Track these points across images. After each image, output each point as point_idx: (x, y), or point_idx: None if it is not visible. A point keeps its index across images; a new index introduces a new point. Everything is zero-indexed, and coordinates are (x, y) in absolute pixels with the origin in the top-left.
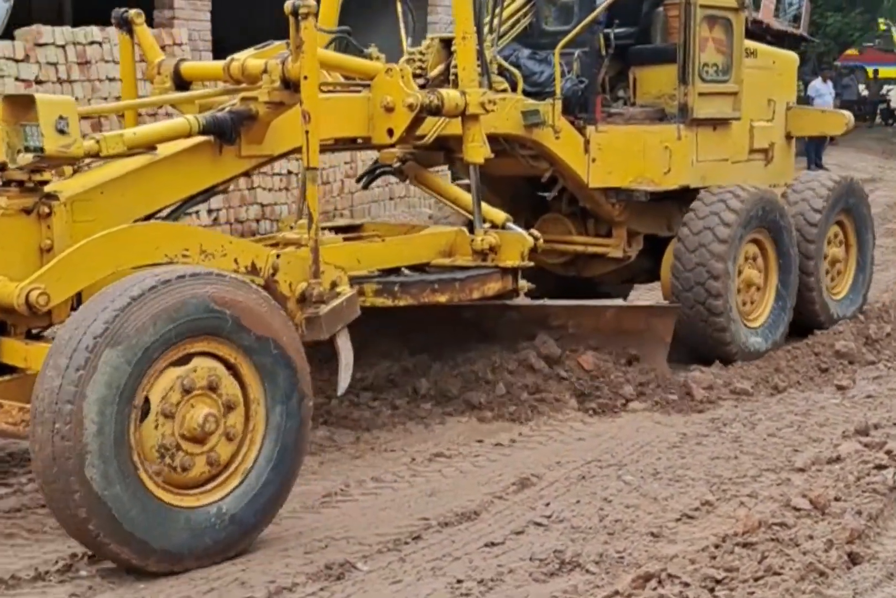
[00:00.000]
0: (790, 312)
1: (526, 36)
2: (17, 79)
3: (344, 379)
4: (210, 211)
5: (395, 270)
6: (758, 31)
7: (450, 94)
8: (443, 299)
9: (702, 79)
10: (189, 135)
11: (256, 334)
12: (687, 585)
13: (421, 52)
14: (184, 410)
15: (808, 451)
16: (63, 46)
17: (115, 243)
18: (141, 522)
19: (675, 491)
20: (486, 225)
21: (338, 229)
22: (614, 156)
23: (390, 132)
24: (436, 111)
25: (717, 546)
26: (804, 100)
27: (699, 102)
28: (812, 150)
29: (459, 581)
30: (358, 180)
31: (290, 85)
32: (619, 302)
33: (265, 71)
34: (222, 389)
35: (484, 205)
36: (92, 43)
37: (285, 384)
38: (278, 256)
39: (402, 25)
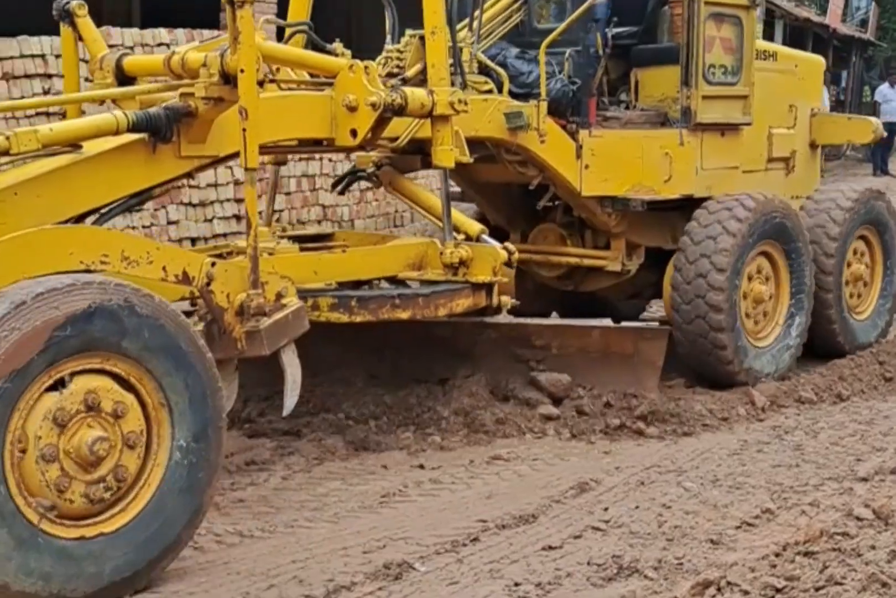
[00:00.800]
0: (804, 333)
1: (517, 34)
2: (86, 80)
3: (290, 398)
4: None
5: (367, 283)
6: (825, 36)
7: (414, 93)
8: (405, 315)
9: (707, 81)
10: (117, 132)
11: None
12: (746, 593)
13: (399, 50)
14: None
15: (872, 460)
16: (131, 48)
17: (18, 248)
18: None
19: (736, 498)
20: (460, 236)
21: (304, 238)
22: (609, 162)
23: (353, 133)
24: (399, 111)
25: (777, 555)
26: (871, 105)
27: (703, 105)
28: (878, 156)
29: (517, 584)
30: (333, 187)
31: (230, 79)
32: (605, 322)
33: (204, 64)
34: None
35: (458, 215)
36: (160, 44)
37: None
38: (213, 264)
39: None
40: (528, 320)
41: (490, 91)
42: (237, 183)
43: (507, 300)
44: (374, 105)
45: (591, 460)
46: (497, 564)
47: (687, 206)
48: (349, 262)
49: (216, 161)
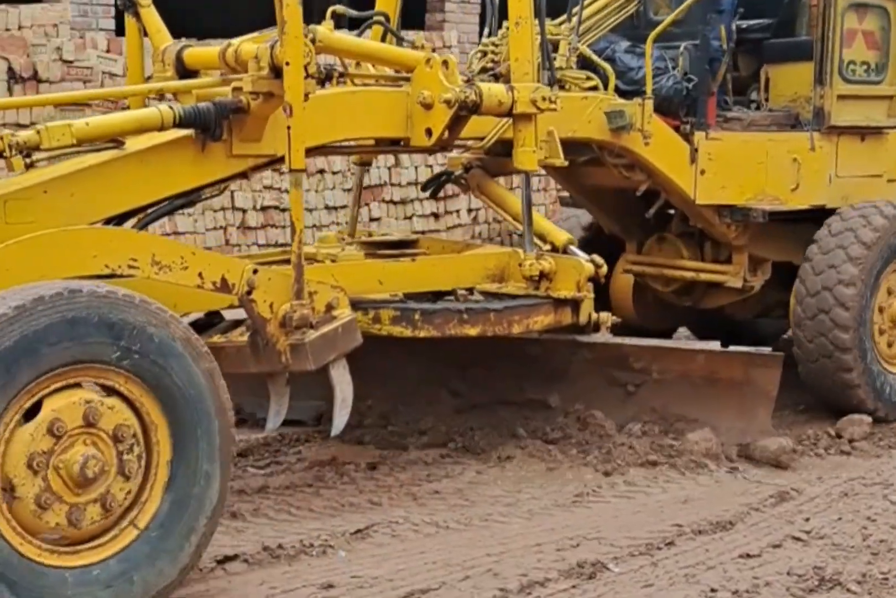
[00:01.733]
0: None
1: (631, 27)
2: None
3: (340, 417)
4: (470, 210)
5: (448, 294)
6: None
7: (491, 90)
8: (473, 331)
9: (844, 79)
10: (161, 127)
11: None
12: None
13: (494, 43)
14: None
15: None
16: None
17: (38, 249)
18: None
19: None
20: (546, 247)
21: (383, 244)
22: (728, 168)
23: (429, 132)
24: (474, 108)
25: None
26: None
27: (839, 106)
28: None
29: (713, 590)
30: (423, 189)
31: (280, 73)
32: (711, 346)
33: (255, 57)
34: None
35: (545, 223)
36: None
37: None
38: (255, 271)
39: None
40: (627, 340)
41: (595, 88)
42: None
43: (607, 317)
44: (448, 102)
45: (792, 469)
46: (693, 569)
47: (821, 218)
48: (419, 271)
49: (274, 161)
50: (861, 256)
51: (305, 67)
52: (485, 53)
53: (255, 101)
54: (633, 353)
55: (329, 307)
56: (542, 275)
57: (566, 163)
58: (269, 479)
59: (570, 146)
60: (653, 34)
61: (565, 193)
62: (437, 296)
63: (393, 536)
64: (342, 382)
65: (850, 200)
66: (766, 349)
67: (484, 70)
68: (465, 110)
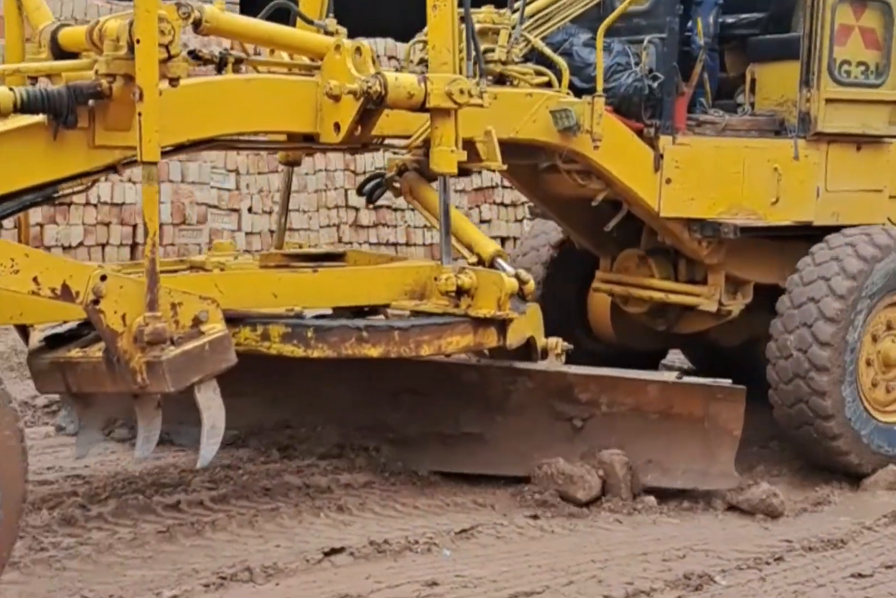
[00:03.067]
0: None
1: (597, 18)
2: None
3: (208, 446)
4: None
5: (373, 312)
6: None
7: (399, 80)
8: (374, 352)
9: (835, 80)
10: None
11: None
12: None
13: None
14: None
15: None
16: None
17: None
18: None
19: None
20: (472, 259)
21: (310, 257)
22: (698, 177)
23: (337, 127)
24: (379, 101)
25: None
26: None
27: (828, 110)
28: None
29: None
30: (358, 192)
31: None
32: (666, 376)
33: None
34: None
35: (474, 233)
36: None
37: None
38: (104, 277)
39: None
40: (571, 368)
41: (549, 85)
42: None
43: (556, 343)
44: (354, 93)
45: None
46: (802, 586)
47: (812, 236)
48: (320, 285)
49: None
50: (844, 292)
51: (167, 47)
52: (425, 43)
53: (113, 84)
54: (578, 383)
55: (197, 321)
56: (462, 291)
57: (504, 166)
58: (374, 475)
59: (527, 150)
60: (604, 24)
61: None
62: (364, 313)
63: (497, 537)
64: (211, 407)
65: (845, 216)
66: (726, 381)
67: (423, 61)
68: (371, 102)
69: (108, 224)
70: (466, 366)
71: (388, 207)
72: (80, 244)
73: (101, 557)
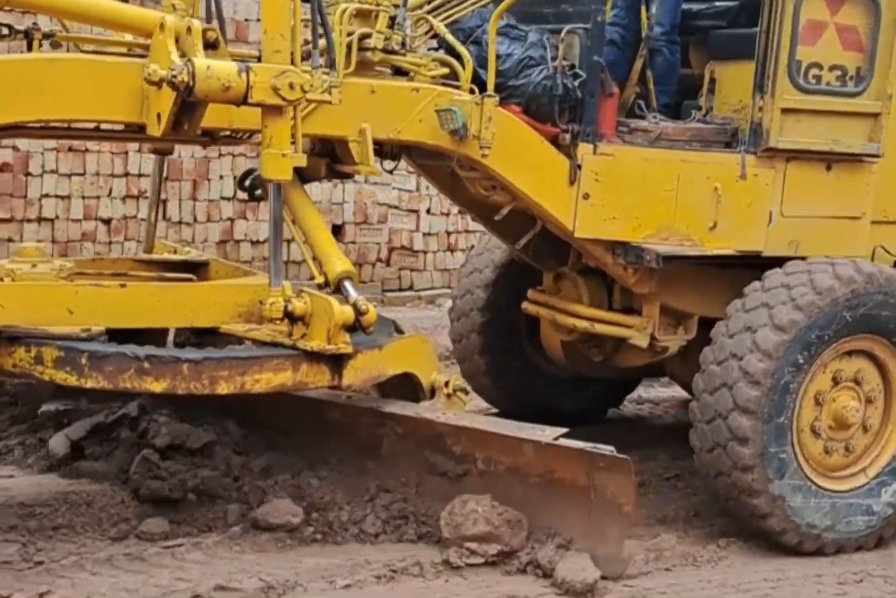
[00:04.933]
0: None
1: (531, 2)
2: None
3: None
4: None
5: (210, 332)
6: None
7: (211, 69)
8: (158, 387)
9: (797, 87)
10: None
11: None
12: None
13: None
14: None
15: None
16: None
17: None
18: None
19: None
20: (320, 279)
21: (169, 265)
22: (622, 193)
23: (159, 119)
24: (188, 92)
25: None
26: None
27: (786, 122)
28: None
29: None
30: (239, 187)
31: None
32: (546, 433)
33: None
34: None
35: (328, 248)
36: None
37: None
38: None
39: None
40: (440, 417)
41: (453, 78)
42: None
43: (448, 382)
44: (161, 81)
45: None
46: None
47: (774, 264)
48: (128, 301)
49: None
50: (770, 348)
51: None
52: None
53: None
54: (448, 434)
55: None
56: (294, 318)
57: (377, 171)
58: None
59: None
60: (500, 7)
61: None
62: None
63: (665, 550)
64: None
65: (806, 247)
66: (607, 448)
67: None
68: (180, 92)
69: (293, 221)
70: (332, 404)
71: None
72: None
73: (278, 543)
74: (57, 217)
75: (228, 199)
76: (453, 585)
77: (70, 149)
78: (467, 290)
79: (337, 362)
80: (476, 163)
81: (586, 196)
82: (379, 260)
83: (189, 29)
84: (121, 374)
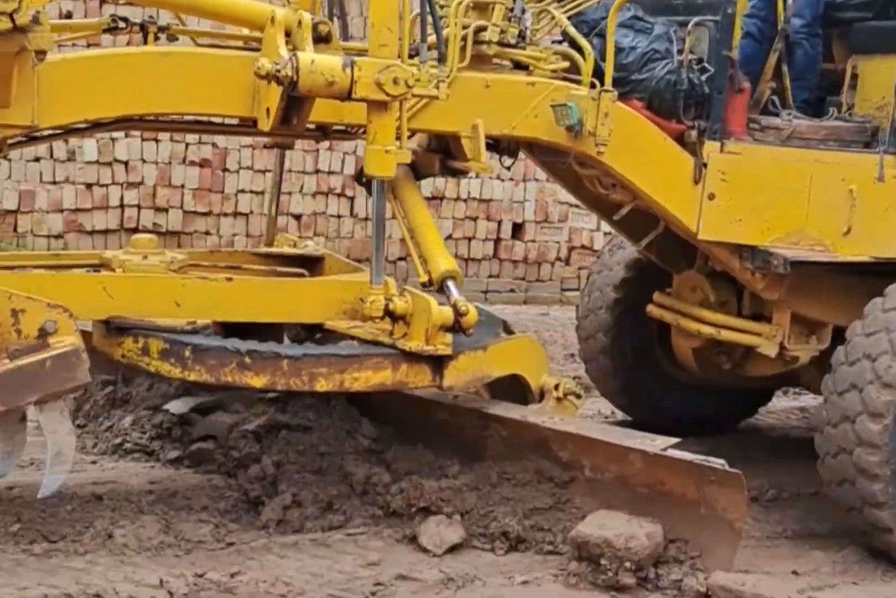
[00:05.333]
0: None
1: None
2: None
3: (52, 474)
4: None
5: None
6: None
7: (316, 64)
8: (258, 382)
9: None
10: None
11: None
12: None
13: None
14: None
15: None
16: None
17: None
18: None
19: None
20: (424, 278)
21: (286, 258)
22: (750, 194)
23: (268, 114)
24: (292, 86)
25: None
26: None
27: None
28: None
29: None
30: (358, 182)
31: None
32: (656, 442)
33: None
34: None
35: (435, 247)
36: None
37: None
38: None
39: None
40: (547, 421)
41: (576, 72)
42: None
43: (559, 385)
44: (267, 76)
45: None
46: None
47: None
48: (232, 296)
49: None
50: None
51: (10, 16)
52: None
53: None
54: (553, 439)
55: (43, 332)
56: (395, 317)
57: (489, 168)
58: None
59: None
60: (618, 3)
61: None
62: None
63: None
64: (57, 431)
65: None
66: (718, 461)
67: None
68: (285, 87)
69: (475, 219)
70: (440, 404)
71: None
72: (449, 237)
73: None
74: (251, 212)
75: None
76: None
77: (265, 146)
78: (597, 288)
79: (438, 362)
80: (593, 160)
81: (711, 196)
82: (558, 259)
83: (300, 22)
84: (222, 368)
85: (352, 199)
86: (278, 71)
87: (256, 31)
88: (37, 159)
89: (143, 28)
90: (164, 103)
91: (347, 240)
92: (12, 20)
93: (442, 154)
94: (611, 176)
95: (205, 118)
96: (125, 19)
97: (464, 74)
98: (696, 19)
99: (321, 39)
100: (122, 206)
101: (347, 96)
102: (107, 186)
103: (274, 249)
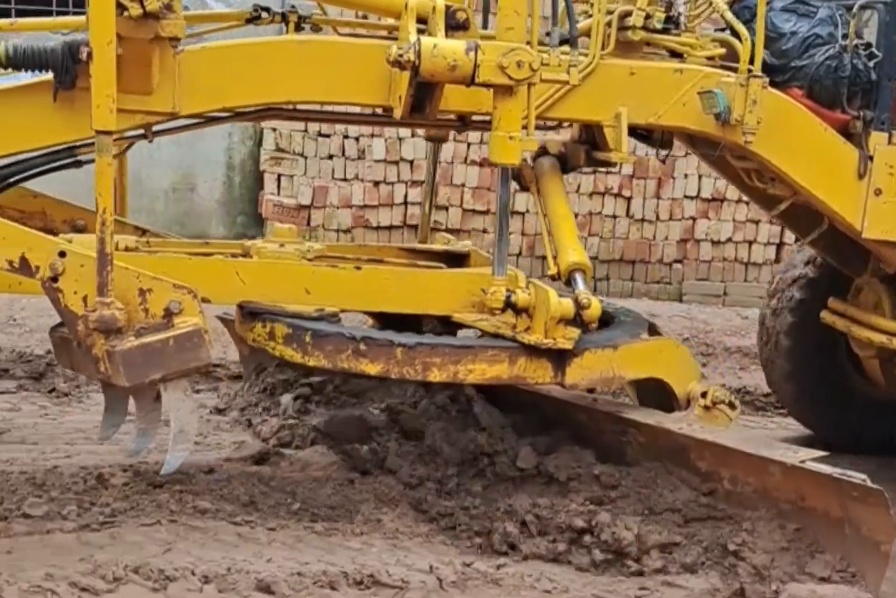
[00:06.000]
0: None
1: None
2: None
3: (175, 451)
4: None
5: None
6: None
7: (438, 48)
8: (373, 369)
9: None
10: None
11: None
12: None
13: None
14: None
15: None
16: None
17: None
18: None
19: None
20: (552, 270)
21: (432, 254)
22: None
23: (401, 102)
24: (414, 71)
25: None
26: None
27: None
28: None
29: None
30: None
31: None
32: (799, 455)
33: None
34: None
35: (567, 239)
36: None
37: None
38: (63, 253)
39: None
40: (685, 428)
41: (719, 59)
42: None
43: (708, 393)
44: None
45: None
46: None
47: None
48: (361, 285)
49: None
50: None
51: (141, 2)
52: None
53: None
54: (692, 447)
55: (168, 312)
56: (518, 309)
57: (629, 158)
58: None
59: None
60: None
61: None
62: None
63: None
64: (179, 408)
65: None
66: (859, 476)
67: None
68: (409, 72)
69: (756, 222)
70: (580, 406)
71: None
72: (729, 240)
73: None
74: (527, 211)
75: (692, 198)
76: None
77: (426, 139)
78: (781, 288)
79: (560, 358)
80: (746, 151)
81: (878, 192)
82: None
83: (434, 9)
84: (339, 354)
85: (629, 199)
86: (400, 56)
87: (393, 18)
88: (330, 157)
89: (285, 18)
90: (300, 92)
91: (622, 240)
92: (143, 6)
93: (588, 145)
94: (767, 169)
95: (343, 108)
96: (267, 9)
97: (607, 61)
98: (861, 1)
99: (459, 26)
100: (405, 203)
101: (471, 81)
102: (392, 183)
103: (420, 246)
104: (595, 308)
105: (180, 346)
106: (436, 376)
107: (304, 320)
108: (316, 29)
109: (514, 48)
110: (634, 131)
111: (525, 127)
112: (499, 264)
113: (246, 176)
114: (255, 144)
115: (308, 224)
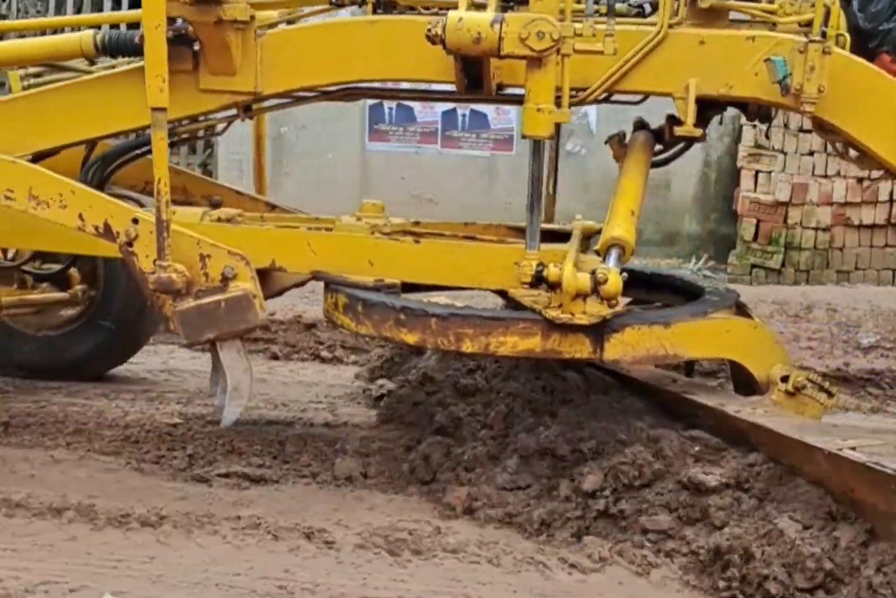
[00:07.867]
0: None
1: None
2: None
3: (231, 407)
4: None
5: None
6: None
7: (462, 21)
8: (411, 339)
9: None
10: (82, 55)
11: None
12: None
13: None
14: None
15: None
16: None
17: None
18: None
19: None
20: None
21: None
22: None
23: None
24: (441, 44)
25: None
26: None
27: None
28: None
29: None
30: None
31: None
32: (849, 442)
33: None
34: None
35: (618, 212)
36: None
37: None
38: (136, 220)
39: None
40: (738, 411)
41: (807, 27)
42: None
43: (790, 376)
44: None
45: None
46: None
47: None
48: (419, 257)
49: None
50: None
51: None
52: None
53: (192, 27)
54: (747, 431)
55: (224, 277)
56: (550, 284)
57: (697, 132)
58: None
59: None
60: None
61: None
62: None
63: None
64: (233, 367)
65: None
66: (892, 465)
67: None
68: (440, 46)
69: None
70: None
71: None
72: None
73: None
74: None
75: None
76: None
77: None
78: None
79: (598, 333)
80: (825, 123)
81: None
82: None
83: None
84: (383, 323)
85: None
86: (429, 30)
87: None
88: (811, 153)
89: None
90: (371, 71)
91: None
92: None
93: (671, 121)
94: (848, 140)
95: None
96: None
97: (676, 31)
98: None
99: (524, 1)
100: (891, 201)
101: (498, 53)
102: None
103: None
104: (613, 284)
105: (231, 308)
106: (468, 346)
107: (361, 290)
108: (390, 8)
109: (535, 18)
110: (734, 103)
111: (559, 99)
112: (531, 239)
113: (722, 173)
114: (732, 141)
115: (784, 221)
